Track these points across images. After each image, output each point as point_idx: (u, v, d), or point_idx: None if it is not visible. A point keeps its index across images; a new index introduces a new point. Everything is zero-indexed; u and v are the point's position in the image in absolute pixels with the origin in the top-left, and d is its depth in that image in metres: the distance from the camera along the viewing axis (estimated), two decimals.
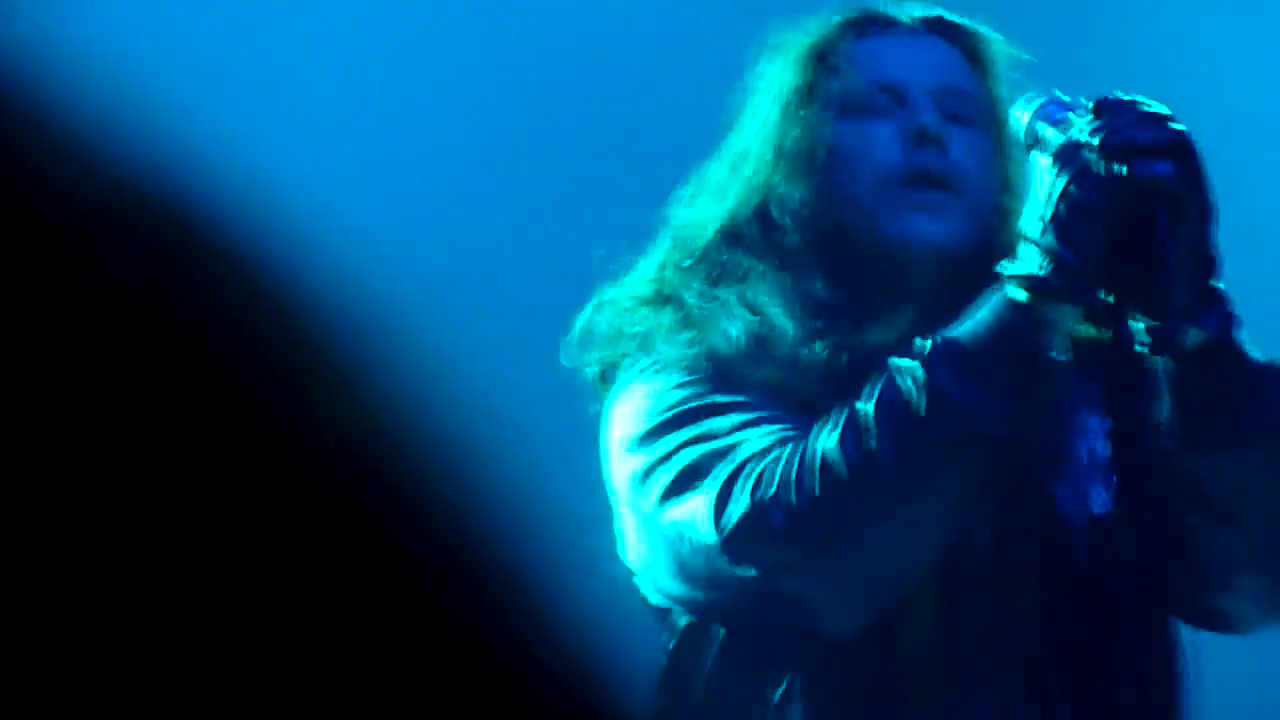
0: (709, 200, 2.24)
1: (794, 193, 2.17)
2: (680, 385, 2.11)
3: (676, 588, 2.08)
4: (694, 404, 2.08)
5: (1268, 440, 2.03)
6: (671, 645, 2.14)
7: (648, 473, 2.07)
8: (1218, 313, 2.00)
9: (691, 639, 2.12)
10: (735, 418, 2.05)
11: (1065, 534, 2.08)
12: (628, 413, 2.14)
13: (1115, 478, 2.07)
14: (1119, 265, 1.96)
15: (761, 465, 1.98)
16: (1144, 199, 1.94)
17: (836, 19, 2.27)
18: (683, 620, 2.13)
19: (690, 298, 2.18)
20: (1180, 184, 1.94)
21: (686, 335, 2.14)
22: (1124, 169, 1.93)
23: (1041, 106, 2.03)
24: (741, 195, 2.21)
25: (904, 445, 1.94)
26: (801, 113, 2.21)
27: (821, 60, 2.24)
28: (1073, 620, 2.08)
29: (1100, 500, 2.07)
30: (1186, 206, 1.95)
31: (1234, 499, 2.03)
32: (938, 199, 2.14)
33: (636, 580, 2.15)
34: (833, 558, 1.96)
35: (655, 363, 2.14)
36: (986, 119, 2.21)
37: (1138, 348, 1.98)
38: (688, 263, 2.21)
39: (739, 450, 2.01)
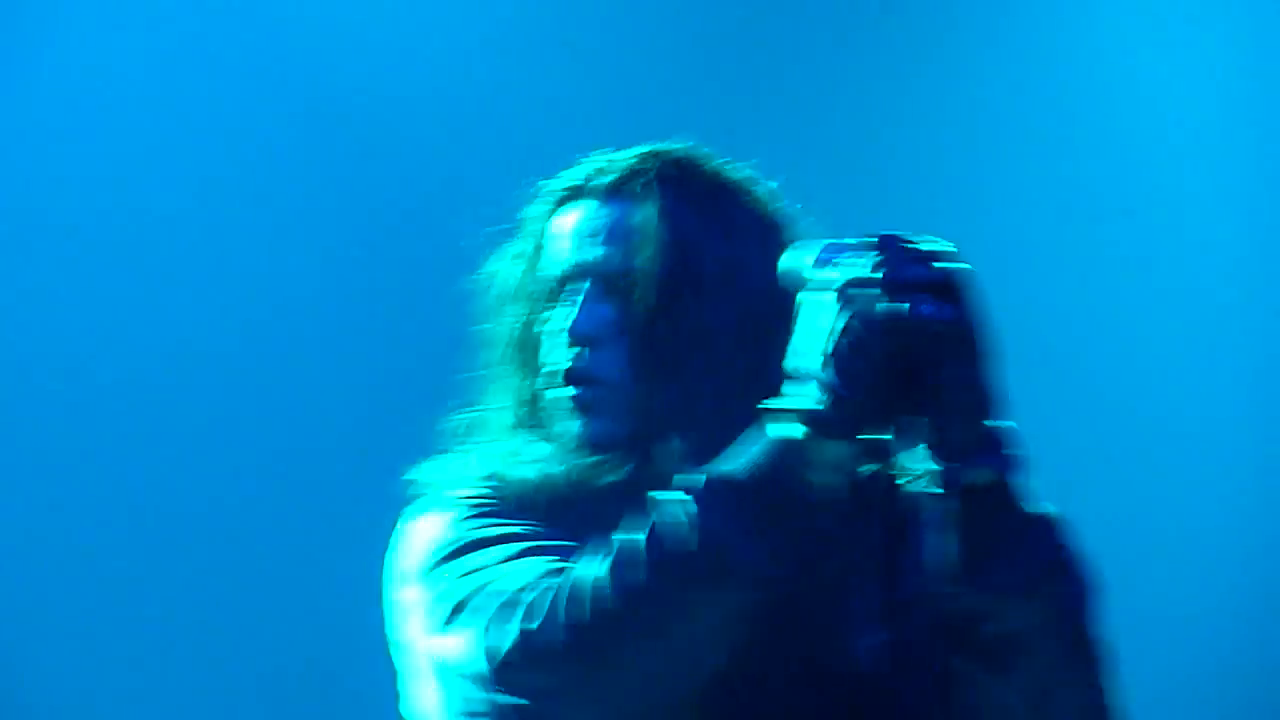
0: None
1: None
2: (461, 519, 2.15)
3: None
4: (470, 538, 2.12)
5: (1036, 586, 2.00)
6: None
7: (423, 609, 2.10)
8: (998, 454, 1.97)
9: None
10: (508, 549, 2.09)
11: (836, 672, 2.10)
12: (409, 548, 2.18)
13: (889, 618, 2.08)
14: (896, 403, 1.95)
15: (533, 595, 2.00)
16: (920, 338, 1.92)
17: (546, 197, 2.30)
18: None
19: (486, 436, 2.25)
20: (952, 324, 1.93)
21: (478, 468, 2.21)
22: (902, 307, 1.92)
23: (819, 252, 2.00)
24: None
25: (669, 576, 1.95)
26: (514, 308, 2.28)
27: (531, 250, 2.29)
28: None
29: (871, 641, 2.08)
30: (960, 346, 1.94)
31: (1005, 647, 2.01)
32: (585, 398, 2.19)
33: None
34: (597, 683, 1.97)
35: (439, 496, 2.20)
36: (644, 290, 2.19)
37: (919, 485, 1.97)
38: (476, 409, 2.28)
39: (510, 581, 2.03)
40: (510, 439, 2.23)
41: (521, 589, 2.01)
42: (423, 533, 2.17)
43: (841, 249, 2.00)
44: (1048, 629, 2.01)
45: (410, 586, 2.15)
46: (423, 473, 2.24)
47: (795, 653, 2.09)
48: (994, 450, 1.97)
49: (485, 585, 2.05)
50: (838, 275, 1.97)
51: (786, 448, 1.96)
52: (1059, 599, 2.02)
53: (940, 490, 1.95)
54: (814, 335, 1.96)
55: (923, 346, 1.92)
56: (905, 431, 1.96)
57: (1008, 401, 1.97)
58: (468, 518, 2.15)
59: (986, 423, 1.97)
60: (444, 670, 2.07)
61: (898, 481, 2.05)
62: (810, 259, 2.01)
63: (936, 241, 1.97)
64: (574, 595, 1.97)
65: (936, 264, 1.94)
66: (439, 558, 2.12)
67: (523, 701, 2.00)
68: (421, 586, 2.12)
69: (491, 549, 2.09)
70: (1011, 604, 1.99)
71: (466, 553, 2.10)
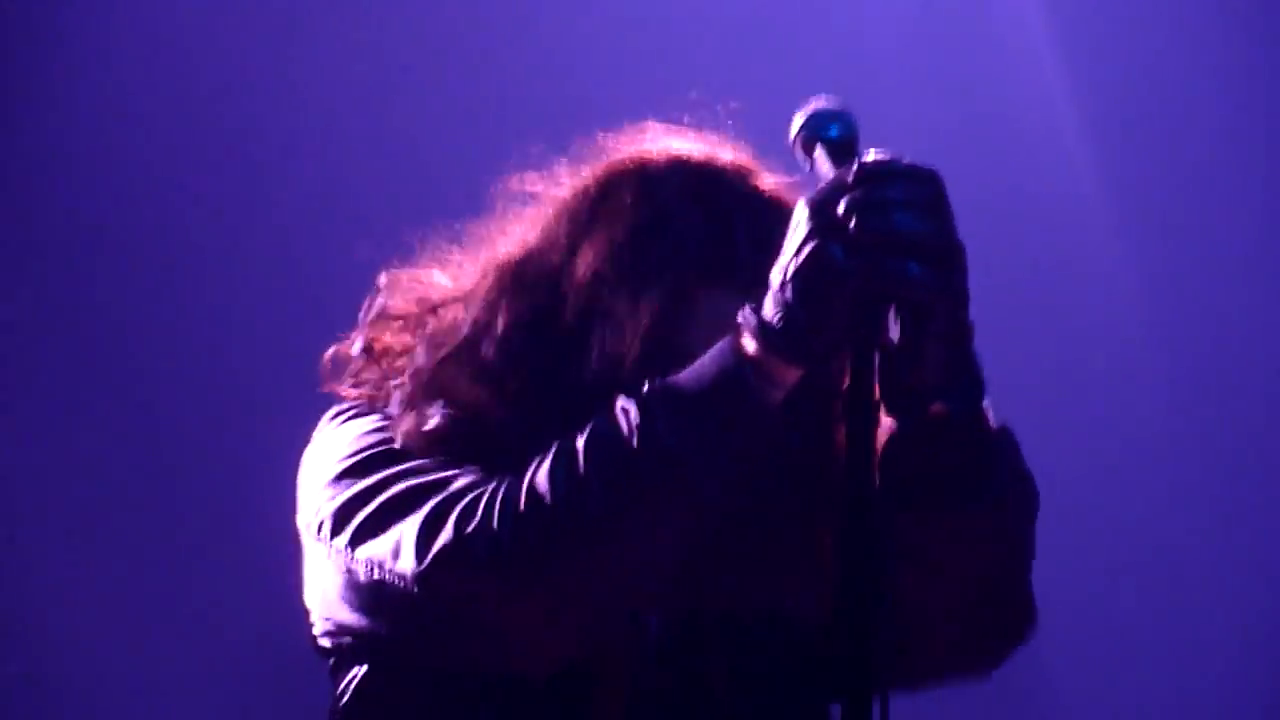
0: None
1: None
2: (387, 427, 2.08)
3: (364, 621, 2.01)
4: (401, 445, 2.05)
5: (991, 508, 1.99)
6: (344, 700, 2.09)
7: (349, 505, 2.02)
8: (966, 384, 1.93)
9: (367, 689, 2.08)
10: (441, 460, 2.01)
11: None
12: (332, 448, 2.10)
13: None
14: (862, 336, 1.85)
15: (471, 496, 1.92)
16: (891, 290, 1.82)
17: None
18: (359, 670, 2.09)
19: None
20: (928, 288, 1.82)
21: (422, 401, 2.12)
22: (871, 258, 1.81)
23: (812, 116, 1.94)
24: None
25: (609, 481, 1.87)
26: None
27: None
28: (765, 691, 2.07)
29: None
30: (936, 304, 1.85)
31: (948, 554, 1.99)
32: None
33: (315, 621, 2.10)
34: (532, 589, 1.89)
35: (363, 407, 2.15)
36: None
37: (889, 413, 1.89)
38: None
39: (450, 484, 1.96)
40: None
41: (462, 489, 1.94)
42: (351, 434, 2.10)
43: (832, 119, 1.93)
44: (990, 537, 2.01)
45: (333, 482, 2.06)
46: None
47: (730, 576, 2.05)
48: (965, 379, 1.93)
49: (420, 486, 1.97)
50: (824, 168, 1.91)
51: (737, 361, 1.89)
52: (1016, 507, 2.03)
53: (909, 419, 1.91)
54: (787, 250, 1.88)
55: (891, 293, 1.83)
56: (871, 362, 1.86)
57: (975, 331, 1.91)
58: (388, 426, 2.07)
59: (958, 359, 1.92)
60: (366, 570, 1.98)
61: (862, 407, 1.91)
62: (809, 121, 1.94)
63: (923, 178, 1.85)
64: (511, 496, 1.89)
65: (915, 215, 1.82)
66: (367, 457, 2.05)
67: (446, 605, 1.93)
68: (345, 484, 2.04)
69: (422, 457, 2.02)
70: (963, 521, 1.98)
71: (399, 456, 2.03)
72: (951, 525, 1.97)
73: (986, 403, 1.99)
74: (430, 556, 1.91)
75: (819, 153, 1.93)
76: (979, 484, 1.97)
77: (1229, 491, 4.84)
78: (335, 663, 2.11)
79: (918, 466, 1.94)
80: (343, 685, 2.10)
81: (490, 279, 2.16)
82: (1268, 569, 4.84)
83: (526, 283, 2.13)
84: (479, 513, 1.91)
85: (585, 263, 2.11)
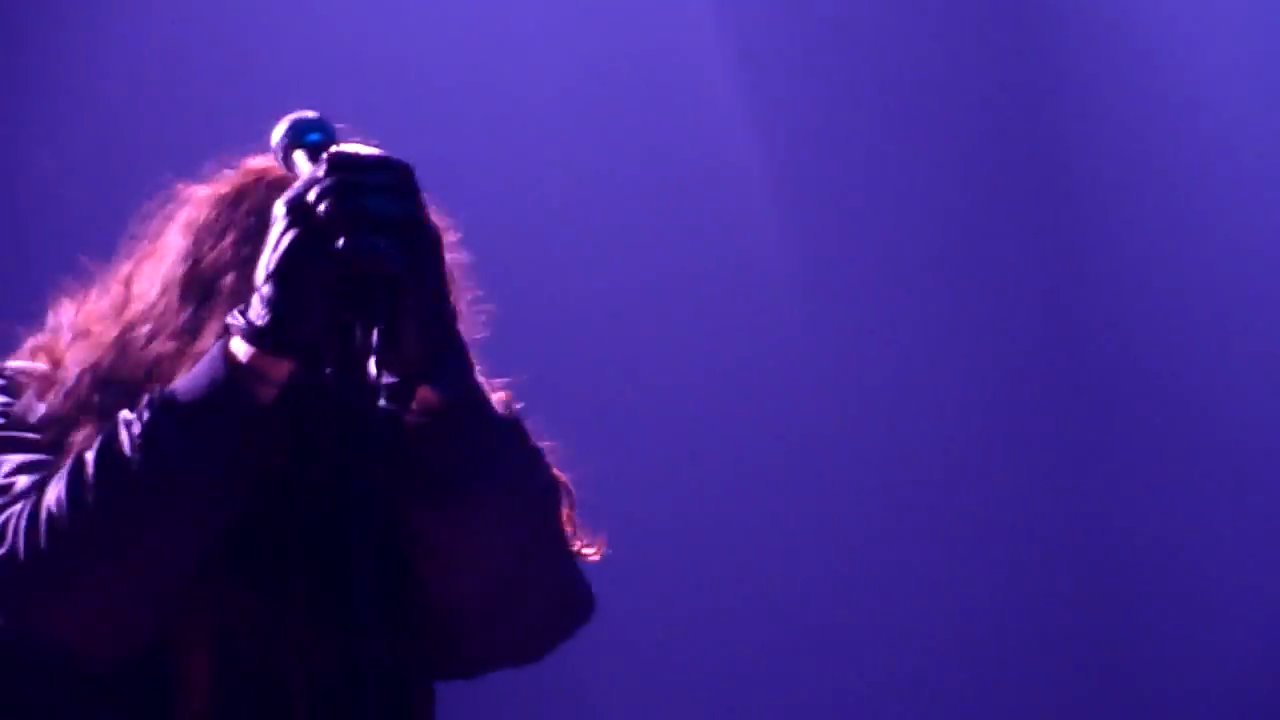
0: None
1: None
2: None
3: None
4: None
5: (497, 495, 2.04)
6: None
7: None
8: (451, 366, 1.99)
9: None
10: (14, 459, 2.08)
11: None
12: None
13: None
14: (343, 322, 1.93)
15: (7, 515, 1.99)
16: (364, 267, 1.90)
17: None
18: None
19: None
20: (400, 264, 1.91)
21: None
22: (343, 238, 1.90)
23: (293, 125, 2.05)
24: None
25: (118, 494, 1.95)
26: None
27: None
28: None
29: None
30: (406, 279, 1.92)
31: (460, 547, 2.04)
32: None
33: None
34: (61, 604, 1.98)
35: None
36: None
37: (377, 402, 1.94)
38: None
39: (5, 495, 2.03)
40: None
41: (8, 504, 2.01)
42: None
43: (314, 127, 2.04)
44: (506, 529, 2.06)
45: None
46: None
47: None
48: (452, 366, 1.99)
49: None
50: (299, 172, 1.99)
51: (230, 362, 1.96)
52: (525, 496, 2.07)
53: (395, 405, 1.96)
54: (268, 249, 1.95)
55: (366, 274, 1.91)
56: (355, 350, 1.93)
57: (455, 318, 2.00)
58: None
59: (439, 342, 1.98)
60: None
61: (343, 398, 2.00)
62: (288, 130, 2.05)
63: (391, 166, 1.95)
64: (34, 517, 1.98)
65: (383, 196, 1.92)
66: None
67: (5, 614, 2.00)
68: None
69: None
70: (471, 513, 2.02)
71: None
72: (456, 517, 2.03)
73: (501, 395, 2.11)
74: None
75: (297, 157, 2.02)
76: (478, 473, 2.03)
77: (896, 493, 4.75)
78: None
79: (418, 457, 2.01)
80: None
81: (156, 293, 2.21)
82: (923, 570, 4.73)
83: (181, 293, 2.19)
84: (8, 536, 1.99)
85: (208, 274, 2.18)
